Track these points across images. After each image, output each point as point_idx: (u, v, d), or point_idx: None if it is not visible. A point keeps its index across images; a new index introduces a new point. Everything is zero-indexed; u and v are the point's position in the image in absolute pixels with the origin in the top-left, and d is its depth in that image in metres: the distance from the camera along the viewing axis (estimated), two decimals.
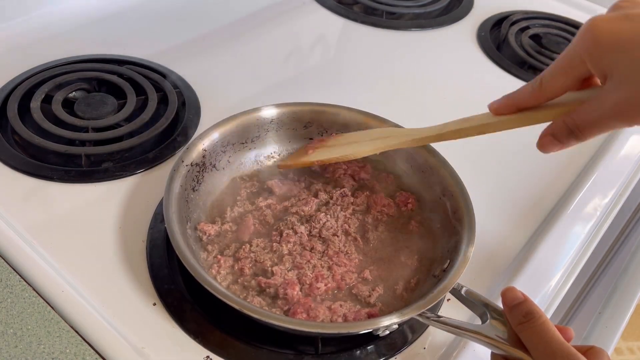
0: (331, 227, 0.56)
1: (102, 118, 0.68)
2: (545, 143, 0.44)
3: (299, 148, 0.62)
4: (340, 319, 0.49)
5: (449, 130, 0.49)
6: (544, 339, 0.41)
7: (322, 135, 0.64)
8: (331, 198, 0.59)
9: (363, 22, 0.95)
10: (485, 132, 0.48)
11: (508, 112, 0.45)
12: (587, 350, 0.42)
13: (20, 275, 0.51)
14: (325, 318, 0.49)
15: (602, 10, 1.06)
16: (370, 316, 0.49)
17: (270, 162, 0.63)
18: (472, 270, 0.49)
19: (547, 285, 0.58)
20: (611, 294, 0.68)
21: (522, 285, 0.56)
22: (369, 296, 0.51)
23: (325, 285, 0.51)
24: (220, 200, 0.58)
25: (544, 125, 0.46)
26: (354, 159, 0.56)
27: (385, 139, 0.55)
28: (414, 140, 0.53)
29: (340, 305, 0.50)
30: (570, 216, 0.64)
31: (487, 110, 0.49)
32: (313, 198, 0.58)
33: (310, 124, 0.63)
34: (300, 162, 0.58)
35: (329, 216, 0.57)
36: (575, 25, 1.01)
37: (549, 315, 0.56)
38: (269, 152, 0.63)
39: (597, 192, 0.68)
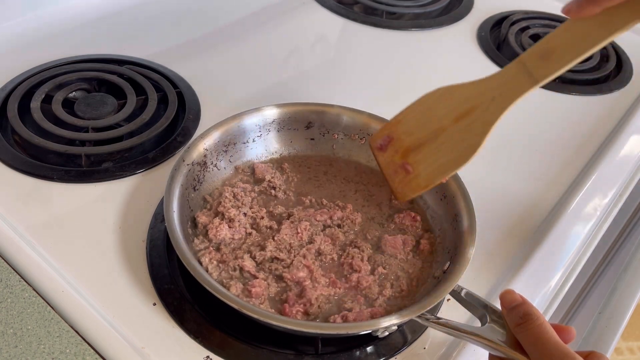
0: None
1: (102, 118, 0.68)
2: None
3: (382, 167, 0.53)
4: (339, 319, 0.49)
5: (545, 75, 0.41)
6: (540, 341, 0.41)
7: (323, 136, 0.64)
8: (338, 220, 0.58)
9: (363, 22, 0.95)
10: (587, 52, 0.38)
11: (593, 12, 0.34)
12: (587, 355, 0.42)
13: (20, 275, 0.51)
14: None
15: None
16: (373, 315, 0.49)
17: (272, 162, 0.63)
18: (472, 271, 0.49)
19: (547, 285, 0.58)
20: (611, 294, 0.68)
21: (522, 285, 0.56)
22: (376, 299, 0.51)
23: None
24: (220, 198, 0.58)
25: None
26: (475, 156, 0.48)
27: (476, 115, 0.47)
28: (512, 103, 0.45)
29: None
30: (570, 216, 0.64)
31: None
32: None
33: (312, 124, 0.63)
34: (424, 187, 0.50)
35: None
36: None
37: (549, 315, 0.56)
38: (271, 152, 0.63)
39: (597, 192, 0.68)
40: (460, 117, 0.49)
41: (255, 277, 0.51)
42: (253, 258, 0.53)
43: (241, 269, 0.51)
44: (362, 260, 0.53)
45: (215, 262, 0.51)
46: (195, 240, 0.53)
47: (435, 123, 0.50)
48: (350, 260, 0.53)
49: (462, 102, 0.49)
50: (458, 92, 0.50)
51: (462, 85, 0.50)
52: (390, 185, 0.55)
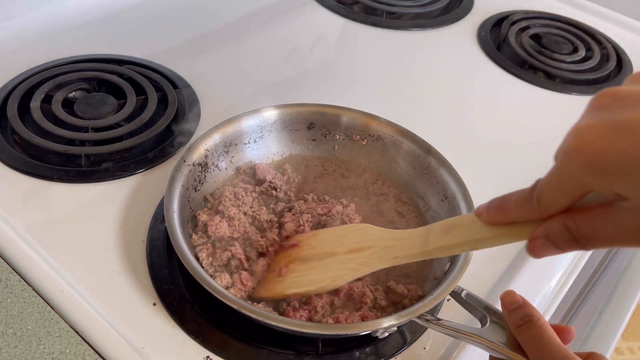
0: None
1: (102, 118, 0.68)
2: (538, 247, 0.35)
3: (271, 263, 0.53)
4: (331, 321, 0.49)
5: (435, 247, 0.43)
6: (541, 342, 0.41)
7: (325, 137, 0.64)
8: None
9: (363, 22, 0.95)
10: (478, 247, 0.41)
11: (500, 224, 0.38)
12: (587, 357, 0.42)
13: (20, 275, 0.51)
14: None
15: (603, 10, 1.06)
16: (364, 318, 0.49)
17: (273, 163, 0.63)
18: (472, 271, 0.49)
19: (547, 285, 0.58)
20: (611, 294, 0.68)
21: (522, 285, 0.56)
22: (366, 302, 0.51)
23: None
24: (221, 197, 0.58)
25: None
26: (331, 290, 0.50)
27: (362, 255, 0.48)
28: (396, 259, 0.46)
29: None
30: None
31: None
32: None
33: (314, 124, 0.63)
34: (276, 294, 0.49)
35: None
36: (575, 25, 1.01)
37: (549, 315, 0.56)
38: (273, 153, 0.63)
39: None
40: (353, 251, 0.49)
41: (244, 268, 0.51)
42: (257, 249, 0.53)
43: (230, 259, 0.51)
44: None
45: (210, 259, 0.51)
46: (194, 236, 0.53)
47: (334, 247, 0.51)
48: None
49: (365, 240, 0.49)
50: (373, 232, 0.50)
51: (381, 229, 0.50)
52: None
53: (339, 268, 0.49)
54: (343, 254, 0.50)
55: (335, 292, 0.50)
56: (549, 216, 0.34)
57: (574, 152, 0.30)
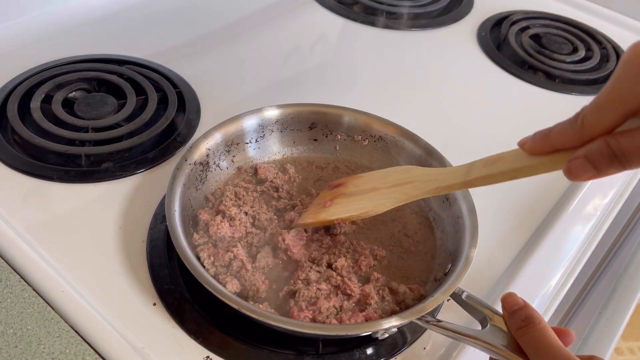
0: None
1: (102, 118, 0.68)
2: (575, 168, 0.35)
3: (316, 198, 0.57)
4: (334, 321, 0.48)
5: (477, 177, 0.45)
6: (542, 344, 0.41)
7: (327, 137, 0.64)
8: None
9: (363, 22, 0.95)
10: (518, 177, 0.42)
11: (543, 152, 0.39)
12: (587, 359, 0.42)
13: (20, 275, 0.51)
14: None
15: (603, 10, 1.06)
16: (368, 319, 0.49)
17: (274, 163, 0.63)
18: (472, 271, 0.49)
19: (547, 285, 0.58)
20: (611, 294, 0.68)
21: (522, 285, 0.56)
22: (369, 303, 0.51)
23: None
24: (222, 197, 0.58)
25: None
26: (374, 215, 0.52)
27: (405, 188, 0.51)
28: (437, 189, 0.49)
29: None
30: (570, 216, 0.64)
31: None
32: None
33: (315, 124, 0.63)
34: (320, 220, 0.53)
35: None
36: (575, 25, 1.01)
37: (548, 316, 0.56)
38: (274, 153, 0.63)
39: (597, 192, 0.68)
40: (396, 185, 0.52)
41: (246, 269, 0.51)
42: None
43: (232, 260, 0.51)
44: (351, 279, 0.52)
45: (212, 258, 0.51)
46: (195, 235, 0.53)
47: (378, 184, 0.54)
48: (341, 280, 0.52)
49: (408, 177, 0.52)
50: (416, 170, 0.53)
51: (423, 168, 0.53)
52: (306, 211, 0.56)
53: (382, 198, 0.52)
54: (386, 188, 0.52)
55: (347, 296, 0.50)
56: (590, 139, 0.35)
57: (634, 58, 0.32)
